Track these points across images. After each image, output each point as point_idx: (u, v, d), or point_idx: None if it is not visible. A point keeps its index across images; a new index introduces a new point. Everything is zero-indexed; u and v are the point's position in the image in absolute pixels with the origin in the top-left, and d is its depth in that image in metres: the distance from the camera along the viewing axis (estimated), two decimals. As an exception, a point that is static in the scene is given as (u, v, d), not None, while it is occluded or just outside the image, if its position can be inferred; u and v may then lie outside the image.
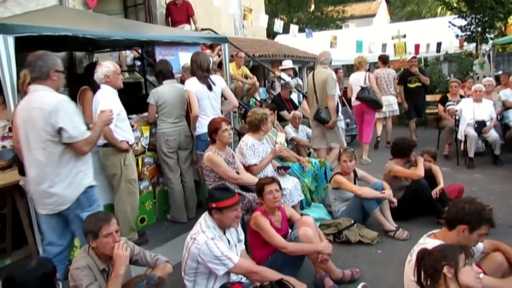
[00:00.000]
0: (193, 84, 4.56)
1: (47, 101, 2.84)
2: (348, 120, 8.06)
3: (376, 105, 7.13)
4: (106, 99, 3.91)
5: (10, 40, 3.46)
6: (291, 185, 4.33)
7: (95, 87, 4.25)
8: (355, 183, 4.52)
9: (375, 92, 7.10)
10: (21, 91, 3.42)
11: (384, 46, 11.20)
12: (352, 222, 4.20)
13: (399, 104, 8.55)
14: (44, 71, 2.93)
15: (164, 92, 4.70)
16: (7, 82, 3.46)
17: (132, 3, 9.12)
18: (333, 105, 5.75)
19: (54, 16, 4.87)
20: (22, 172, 3.38)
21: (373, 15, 29.97)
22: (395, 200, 4.27)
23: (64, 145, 2.88)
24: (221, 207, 2.94)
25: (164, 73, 4.84)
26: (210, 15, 10.38)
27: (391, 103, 8.17)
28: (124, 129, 4.07)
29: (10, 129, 4.12)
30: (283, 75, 8.82)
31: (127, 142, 4.09)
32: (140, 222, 4.71)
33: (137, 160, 4.55)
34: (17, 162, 3.48)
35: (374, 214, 4.23)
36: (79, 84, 4.95)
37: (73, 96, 5.33)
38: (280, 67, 9.36)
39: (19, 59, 3.58)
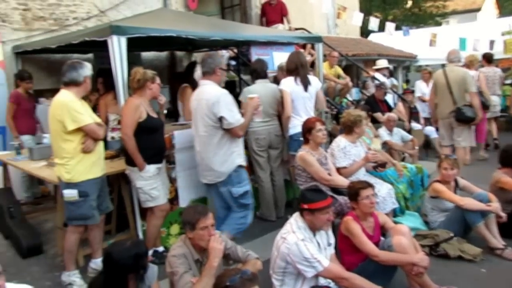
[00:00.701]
0: (289, 84, 4.56)
1: (212, 94, 3.50)
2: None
3: (482, 105, 6.69)
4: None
5: (123, 40, 3.77)
6: (384, 191, 4.15)
7: (194, 85, 4.45)
8: (455, 193, 4.20)
9: (483, 92, 6.63)
10: (131, 87, 3.69)
11: (491, 43, 10.24)
12: (452, 235, 3.89)
13: (507, 108, 7.81)
14: (212, 67, 3.59)
15: (255, 91, 4.73)
16: (119, 79, 3.77)
17: (229, 4, 9.42)
18: (478, 102, 5.72)
19: (159, 18, 5.19)
20: (129, 162, 3.66)
21: (478, 10, 27.51)
22: (504, 215, 3.87)
23: (223, 130, 3.51)
24: (313, 209, 2.92)
25: (258, 72, 4.91)
26: (303, 14, 10.36)
27: (494, 104, 7.57)
28: None
29: (119, 122, 4.48)
30: (378, 75, 8.50)
31: None
32: (230, 216, 4.84)
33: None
34: (124, 152, 3.76)
35: (478, 228, 3.88)
36: (179, 81, 5.23)
37: (173, 92, 5.69)
38: (374, 67, 9.03)
39: (130, 57, 3.89)
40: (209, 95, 3.49)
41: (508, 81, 10.94)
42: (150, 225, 3.84)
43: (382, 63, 8.96)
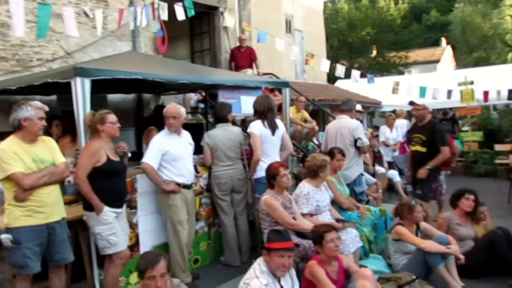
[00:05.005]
0: (258, 127, 4.60)
1: (352, 123, 5.20)
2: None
3: None
4: (156, 139, 4.14)
5: (87, 82, 3.70)
6: (349, 235, 4.14)
7: (161, 127, 4.42)
8: (416, 235, 4.25)
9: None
10: (88, 130, 3.63)
11: (449, 92, 10.79)
12: (414, 277, 3.88)
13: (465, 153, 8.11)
14: (351, 107, 5.39)
15: (215, 135, 4.76)
16: (81, 121, 3.68)
17: (199, 48, 9.60)
18: None
19: (127, 60, 5.17)
20: (86, 207, 3.53)
21: (437, 61, 29.22)
22: (462, 257, 3.93)
23: (355, 148, 5.08)
24: (269, 249, 2.97)
25: (217, 116, 4.93)
26: (272, 60, 10.68)
27: None
28: (171, 170, 4.15)
29: (74, 165, 4.32)
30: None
31: (177, 183, 4.14)
32: (194, 263, 4.70)
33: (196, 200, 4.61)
34: (81, 197, 3.63)
35: (439, 270, 3.91)
36: (146, 124, 5.21)
37: (139, 135, 5.64)
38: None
39: (95, 99, 3.83)
40: (350, 124, 5.15)
41: (464, 128, 11.45)
42: (108, 274, 3.66)
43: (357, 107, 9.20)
